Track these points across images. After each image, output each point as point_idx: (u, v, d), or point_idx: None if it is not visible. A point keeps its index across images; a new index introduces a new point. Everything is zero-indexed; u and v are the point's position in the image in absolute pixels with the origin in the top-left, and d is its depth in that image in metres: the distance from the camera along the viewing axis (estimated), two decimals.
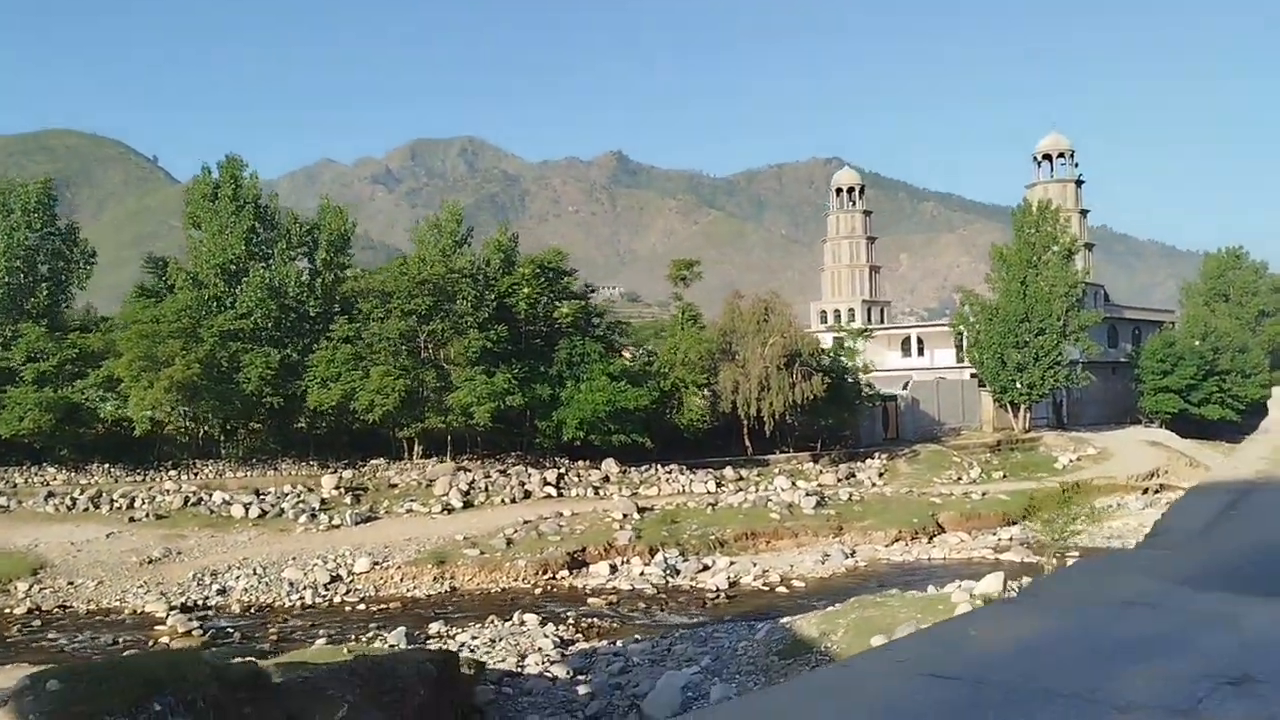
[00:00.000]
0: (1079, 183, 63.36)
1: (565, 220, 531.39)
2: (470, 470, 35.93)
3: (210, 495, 32.35)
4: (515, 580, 27.27)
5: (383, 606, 24.95)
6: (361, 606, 24.89)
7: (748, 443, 41.37)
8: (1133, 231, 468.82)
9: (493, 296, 35.96)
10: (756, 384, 38.39)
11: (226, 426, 36.02)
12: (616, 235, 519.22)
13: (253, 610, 24.51)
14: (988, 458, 46.50)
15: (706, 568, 28.74)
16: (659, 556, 29.17)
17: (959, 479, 41.60)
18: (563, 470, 37.23)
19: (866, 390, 45.58)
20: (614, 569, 28.40)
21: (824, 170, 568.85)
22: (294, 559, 27.61)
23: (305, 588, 25.83)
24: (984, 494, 37.86)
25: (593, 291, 40.27)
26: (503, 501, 34.13)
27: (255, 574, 26.57)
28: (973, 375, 54.13)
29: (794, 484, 38.48)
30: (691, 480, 37.62)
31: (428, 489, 34.42)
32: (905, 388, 49.50)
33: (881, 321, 69.84)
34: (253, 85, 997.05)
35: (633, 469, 38.34)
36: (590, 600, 25.26)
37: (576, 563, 28.60)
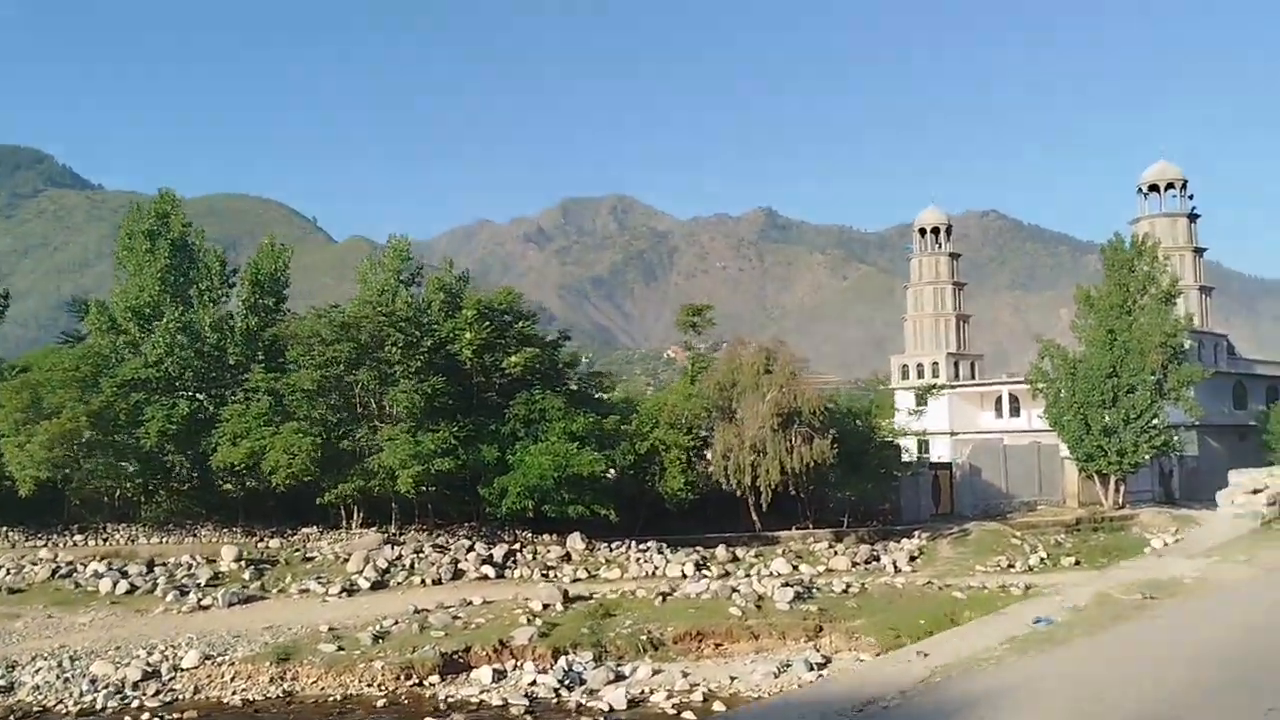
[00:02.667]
0: (1192, 217, 54.90)
1: (713, 276, 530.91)
2: (403, 543, 31.14)
3: (84, 566, 28.47)
4: (368, 686, 22.12)
5: (176, 716, 20.22)
6: (146, 717, 20.21)
7: (755, 517, 35.35)
8: None
9: (429, 343, 31.28)
10: (749, 448, 32.47)
11: (148, 487, 32.32)
12: (764, 290, 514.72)
13: (14, 716, 20.13)
14: (1060, 539, 38.99)
15: (619, 678, 23.01)
16: (562, 661, 23.64)
17: (1010, 566, 34.46)
18: (517, 546, 32.08)
19: (906, 456, 38.91)
20: (500, 675, 22.95)
21: (979, 224, 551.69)
22: (119, 648, 23.27)
23: (105, 686, 21.33)
24: (1028, 587, 30.72)
25: (566, 339, 35.10)
26: (424, 582, 29.13)
27: (60, 667, 22.26)
28: None
29: (795, 569, 32.34)
30: (668, 562, 31.85)
31: (343, 565, 29.78)
32: (964, 454, 42.38)
33: (972, 377, 62.30)
34: (411, 148, 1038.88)
35: (603, 546, 32.90)
36: None
37: (457, 665, 23.31)
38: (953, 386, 58.92)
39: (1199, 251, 54.72)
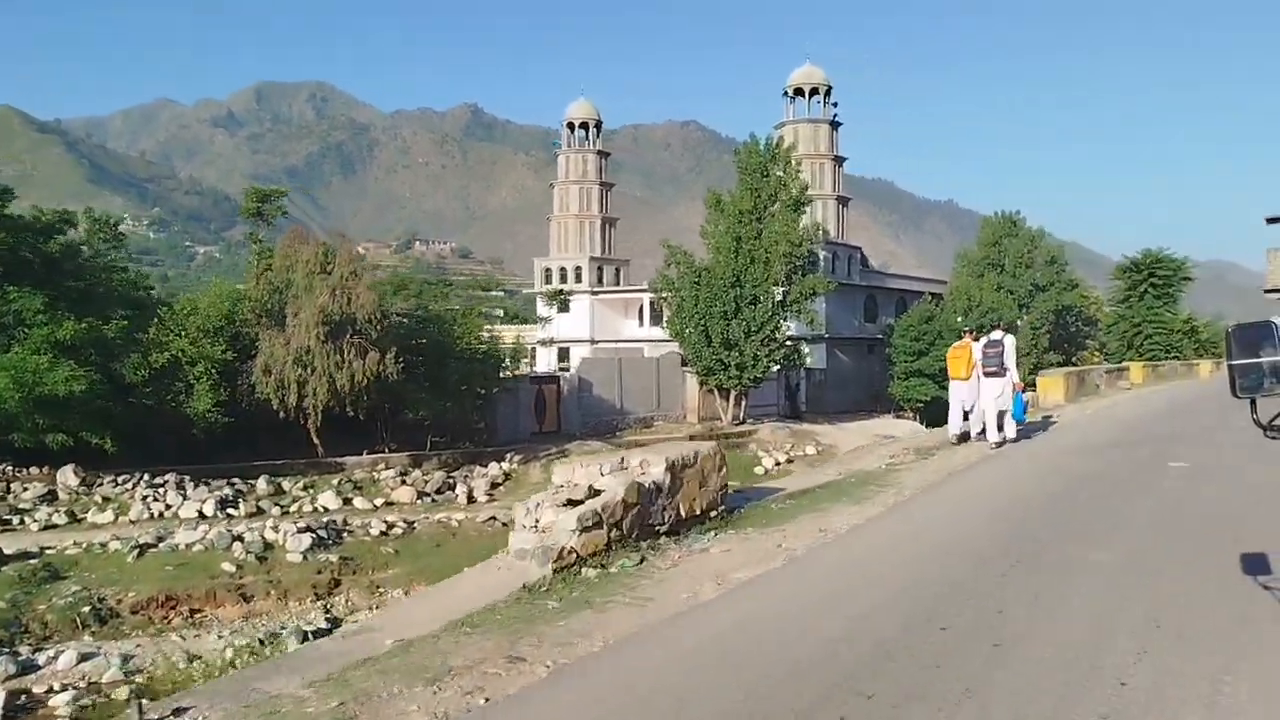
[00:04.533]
0: (834, 124, 53.66)
1: (415, 171, 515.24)
2: None
3: None
4: None
5: None
6: None
7: (317, 442, 30.15)
8: (979, 207, 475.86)
9: None
10: (294, 362, 27.11)
11: None
12: (467, 189, 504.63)
13: None
14: None
15: (26, 670, 17.39)
16: None
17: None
18: None
19: (536, 368, 34.91)
20: None
21: (680, 133, 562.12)
22: None
23: None
24: None
25: (67, 223, 28.09)
26: None
27: None
28: None
29: (347, 502, 27.56)
30: (185, 499, 26.10)
31: None
32: (569, 366, 38.91)
33: (617, 283, 59.36)
34: (75, 10, 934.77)
35: (107, 481, 26.72)
36: None
37: None
38: (593, 292, 55.78)
39: (839, 160, 53.63)
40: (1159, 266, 54.95)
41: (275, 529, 23.52)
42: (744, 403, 41.80)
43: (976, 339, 17.10)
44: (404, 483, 29.49)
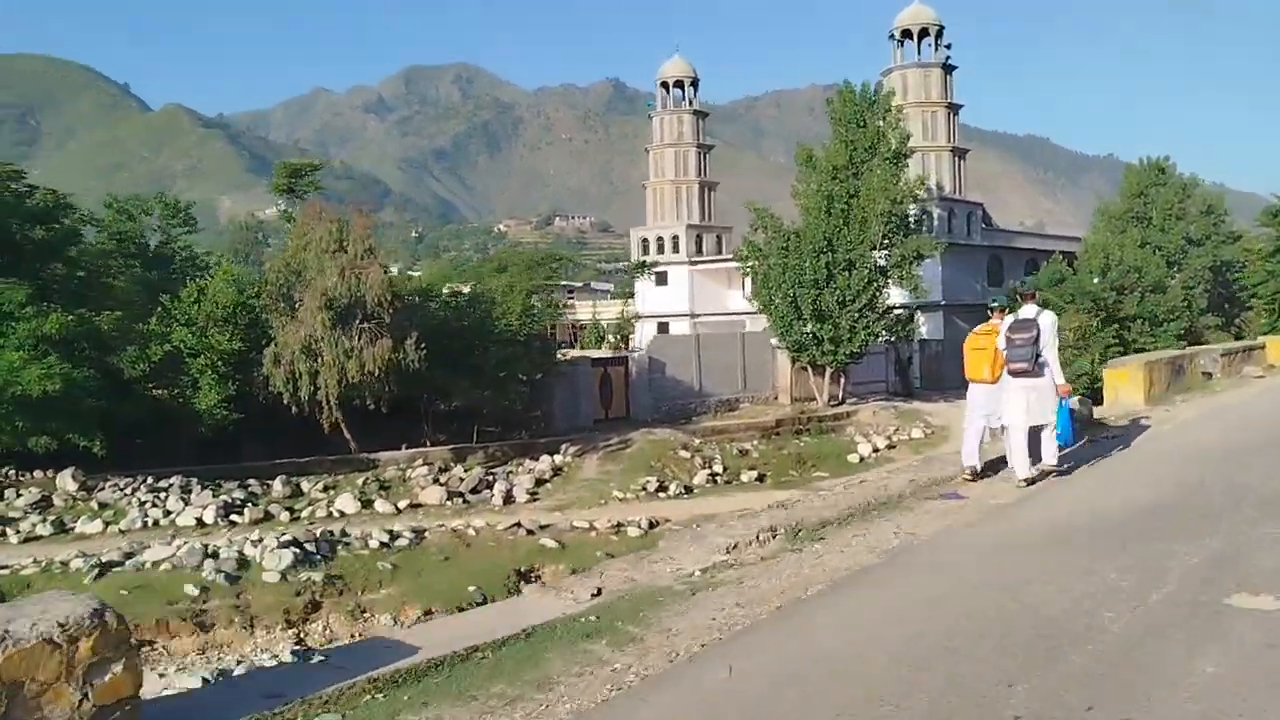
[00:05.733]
0: (947, 69, 48.12)
1: (558, 148, 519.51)
2: None
3: None
4: None
5: None
6: None
7: (349, 436, 27.60)
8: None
9: None
10: (303, 351, 24.46)
11: None
12: (610, 164, 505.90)
13: None
14: (752, 446, 32.61)
15: None
16: None
17: (662, 488, 27.67)
18: None
19: (561, 353, 31.65)
20: None
21: (824, 96, 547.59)
22: None
23: None
24: (652, 524, 23.84)
25: (66, 208, 26.00)
26: None
27: None
28: None
29: (367, 504, 24.77)
30: (185, 505, 23.82)
31: None
32: (640, 345, 35.37)
33: (719, 251, 55.31)
34: (239, 12, 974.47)
35: (109, 484, 24.63)
36: None
37: None
38: (691, 263, 51.91)
39: (954, 108, 48.09)
40: None
41: (257, 542, 20.80)
42: (843, 381, 37.52)
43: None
44: (436, 482, 26.57)
